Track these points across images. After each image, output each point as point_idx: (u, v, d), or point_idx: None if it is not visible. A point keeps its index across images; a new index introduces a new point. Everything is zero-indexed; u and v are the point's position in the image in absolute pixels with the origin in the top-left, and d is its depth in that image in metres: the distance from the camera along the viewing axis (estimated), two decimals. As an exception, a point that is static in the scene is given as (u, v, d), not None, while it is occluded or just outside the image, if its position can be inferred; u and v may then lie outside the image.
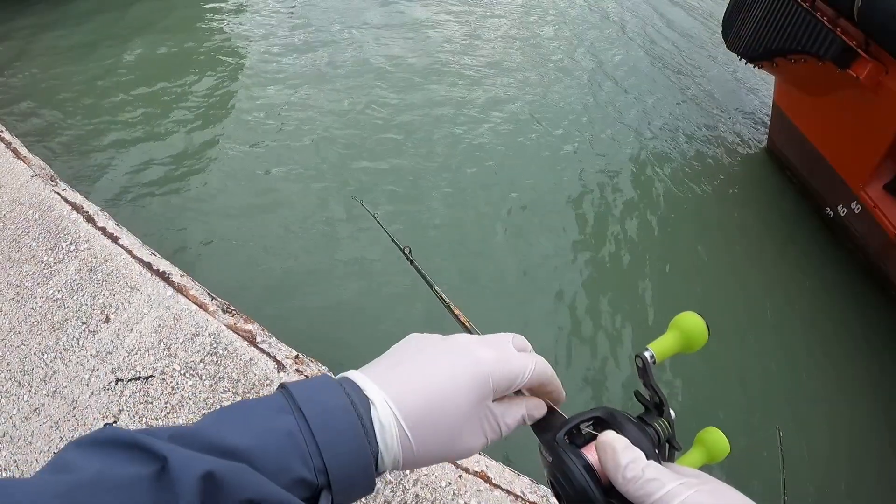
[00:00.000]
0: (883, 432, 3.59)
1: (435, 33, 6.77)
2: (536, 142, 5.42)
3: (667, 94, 6.58)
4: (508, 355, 0.57)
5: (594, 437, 0.56)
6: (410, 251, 1.17)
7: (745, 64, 5.36)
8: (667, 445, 0.60)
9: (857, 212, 4.47)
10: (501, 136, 5.37)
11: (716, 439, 0.61)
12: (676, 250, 4.60)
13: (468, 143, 5.17)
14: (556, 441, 0.57)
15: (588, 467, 0.54)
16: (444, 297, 0.96)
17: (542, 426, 0.65)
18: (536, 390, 0.61)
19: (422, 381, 0.53)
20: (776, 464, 3.02)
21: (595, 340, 3.77)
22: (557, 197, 4.85)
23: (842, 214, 4.68)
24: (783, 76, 5.21)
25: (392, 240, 1.26)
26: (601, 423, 0.59)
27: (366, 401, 0.51)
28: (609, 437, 0.54)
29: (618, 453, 0.51)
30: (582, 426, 0.59)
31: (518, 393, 0.60)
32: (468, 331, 0.81)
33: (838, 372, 3.88)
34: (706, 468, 0.56)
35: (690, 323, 0.61)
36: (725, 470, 2.98)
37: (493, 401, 0.56)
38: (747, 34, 4.95)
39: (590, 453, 0.55)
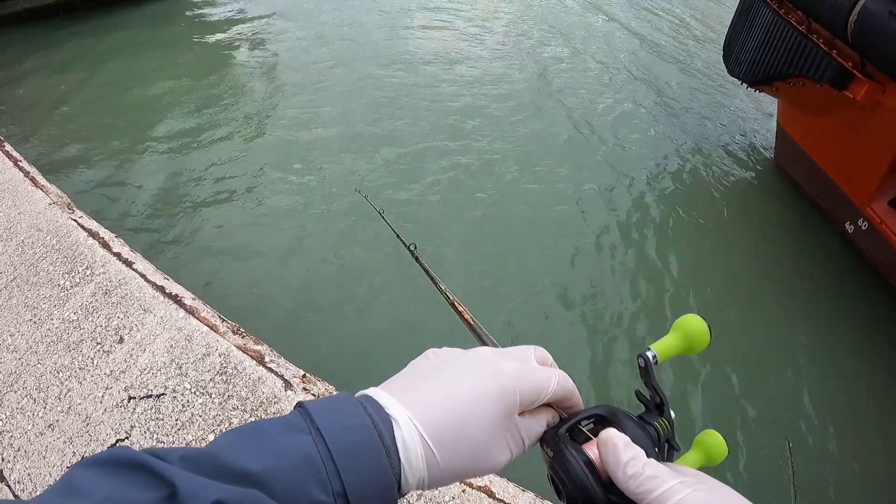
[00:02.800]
0: (896, 443, 3.57)
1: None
2: (556, 151, 5.71)
3: (675, 111, 6.76)
4: (533, 368, 0.57)
5: (595, 435, 0.57)
6: (416, 247, 1.18)
7: (747, 88, 5.42)
8: (666, 445, 0.60)
9: (864, 228, 4.48)
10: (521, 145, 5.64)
11: (714, 442, 0.61)
12: (686, 261, 4.68)
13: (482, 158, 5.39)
14: (557, 437, 0.57)
15: (589, 463, 0.54)
16: (448, 294, 0.96)
17: None
18: (557, 404, 0.60)
19: (445, 396, 0.52)
20: (786, 476, 3.00)
21: (600, 340, 3.86)
22: (569, 203, 5.05)
23: (849, 231, 4.69)
24: (784, 99, 5.27)
25: (397, 236, 1.26)
26: (602, 421, 0.59)
27: (388, 419, 0.49)
28: (611, 433, 0.54)
29: (619, 450, 0.51)
30: (583, 423, 0.59)
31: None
32: (472, 328, 0.82)
33: (849, 383, 3.87)
34: (704, 471, 0.56)
35: (693, 325, 0.62)
36: (734, 483, 2.98)
37: (518, 414, 0.56)
38: (746, 59, 5.02)
39: (591, 450, 0.55)
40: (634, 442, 0.53)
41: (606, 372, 3.68)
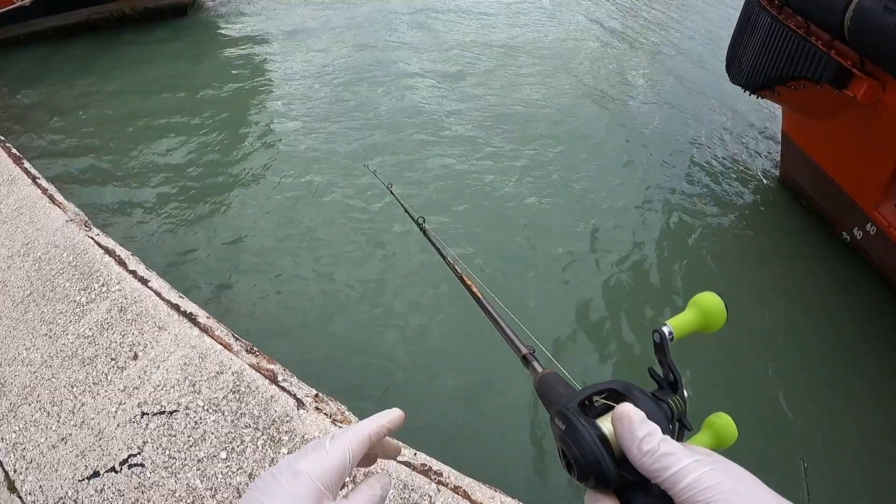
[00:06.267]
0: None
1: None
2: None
3: (680, 130, 6.90)
4: (324, 451, 0.58)
5: (608, 409, 0.56)
6: (424, 221, 1.20)
7: (749, 95, 5.40)
8: (677, 424, 0.58)
9: (872, 233, 4.41)
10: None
11: (724, 424, 0.59)
12: (694, 272, 4.71)
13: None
14: (569, 410, 0.55)
15: (602, 437, 0.52)
16: (455, 267, 0.98)
17: (555, 396, 0.65)
18: (379, 445, 0.65)
19: None
20: (801, 496, 2.94)
21: (616, 321, 3.98)
22: (586, 212, 5.21)
23: (858, 237, 4.61)
24: (786, 104, 5.24)
25: (405, 210, 1.29)
26: (616, 396, 0.58)
27: None
28: (627, 408, 0.53)
29: (635, 425, 0.51)
30: (596, 398, 0.58)
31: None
32: (479, 302, 0.85)
33: (864, 400, 3.81)
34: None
35: (709, 302, 0.60)
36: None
37: (346, 493, 0.59)
38: (747, 66, 5.01)
39: (604, 424, 0.54)
40: (649, 418, 0.52)
41: (620, 349, 3.76)
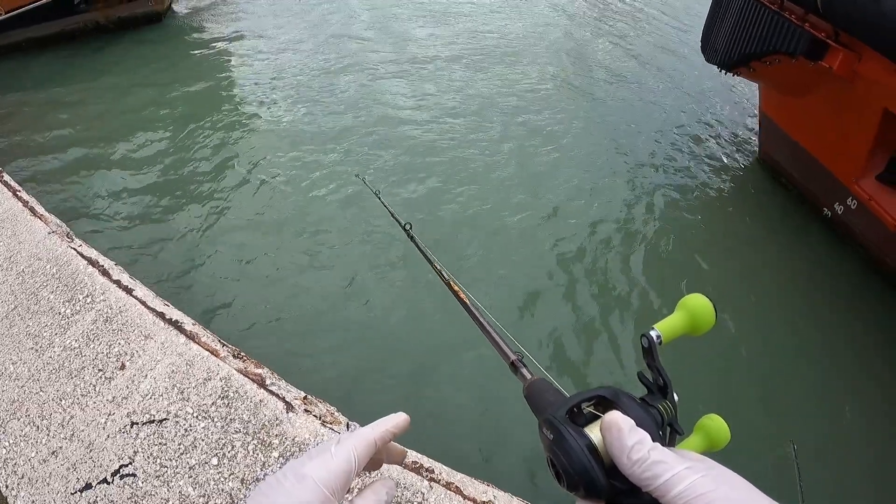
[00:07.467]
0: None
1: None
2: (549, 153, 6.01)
3: (655, 120, 6.96)
4: (330, 455, 0.58)
5: (597, 417, 0.55)
6: (411, 227, 1.22)
7: (725, 74, 5.41)
8: (668, 429, 0.58)
9: (853, 207, 4.41)
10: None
11: (717, 426, 0.59)
12: (680, 264, 4.74)
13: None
14: (556, 419, 0.55)
15: (591, 447, 0.52)
16: (443, 272, 0.99)
17: (544, 404, 0.65)
18: (385, 450, 0.64)
19: None
20: (793, 477, 2.97)
21: (604, 325, 3.98)
22: (568, 202, 5.27)
23: (839, 213, 4.61)
24: (762, 80, 5.25)
25: (392, 216, 1.32)
26: (604, 403, 0.57)
27: None
28: (615, 416, 0.52)
29: (624, 434, 0.50)
30: (584, 405, 0.57)
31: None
32: (467, 307, 0.85)
33: (851, 377, 3.83)
34: (707, 456, 0.53)
35: (697, 304, 0.59)
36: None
37: (353, 496, 0.59)
38: (722, 44, 5.03)
39: (593, 433, 0.53)
40: (638, 425, 0.52)
41: (608, 354, 3.76)
